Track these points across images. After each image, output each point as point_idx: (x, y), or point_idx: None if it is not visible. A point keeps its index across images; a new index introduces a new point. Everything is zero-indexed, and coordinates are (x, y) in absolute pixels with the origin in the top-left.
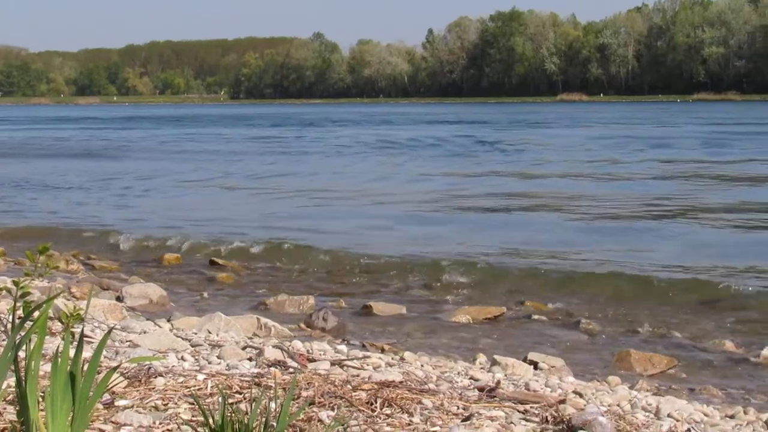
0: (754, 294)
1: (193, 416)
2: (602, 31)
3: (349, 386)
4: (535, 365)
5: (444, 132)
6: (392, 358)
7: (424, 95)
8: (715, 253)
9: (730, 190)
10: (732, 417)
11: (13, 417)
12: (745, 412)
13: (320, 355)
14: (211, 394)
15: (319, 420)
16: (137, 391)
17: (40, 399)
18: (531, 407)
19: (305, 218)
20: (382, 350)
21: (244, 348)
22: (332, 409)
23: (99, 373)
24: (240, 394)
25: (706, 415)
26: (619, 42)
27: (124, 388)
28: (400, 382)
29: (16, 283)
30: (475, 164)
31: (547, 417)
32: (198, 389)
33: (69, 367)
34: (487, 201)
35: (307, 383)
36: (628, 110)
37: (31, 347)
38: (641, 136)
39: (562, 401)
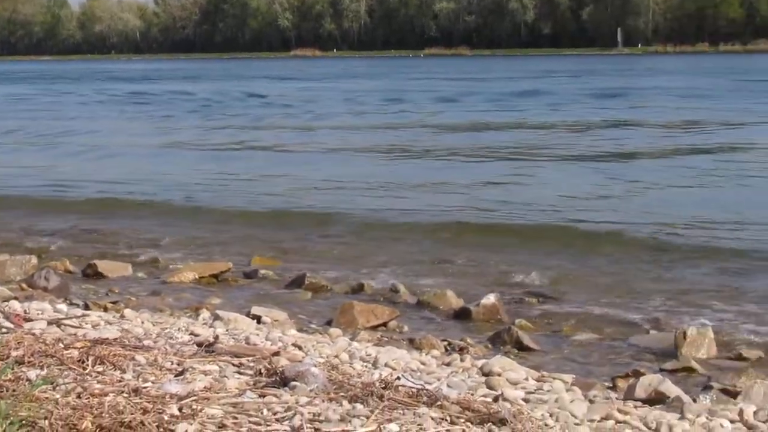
0: (469, 246)
1: None
2: None
3: (61, 345)
4: (259, 320)
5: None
6: (113, 317)
7: (156, 51)
8: (444, 204)
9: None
10: (448, 365)
11: None
12: (462, 360)
13: (38, 314)
14: None
15: (27, 379)
16: None
17: None
18: (247, 360)
19: (35, 176)
20: (105, 309)
21: None
22: (42, 368)
23: None
24: None
25: (423, 363)
26: None
27: None
28: (114, 339)
29: None
30: (214, 120)
31: (260, 369)
32: None
33: None
34: (224, 154)
35: (18, 343)
36: (370, 65)
37: None
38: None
39: (277, 354)
